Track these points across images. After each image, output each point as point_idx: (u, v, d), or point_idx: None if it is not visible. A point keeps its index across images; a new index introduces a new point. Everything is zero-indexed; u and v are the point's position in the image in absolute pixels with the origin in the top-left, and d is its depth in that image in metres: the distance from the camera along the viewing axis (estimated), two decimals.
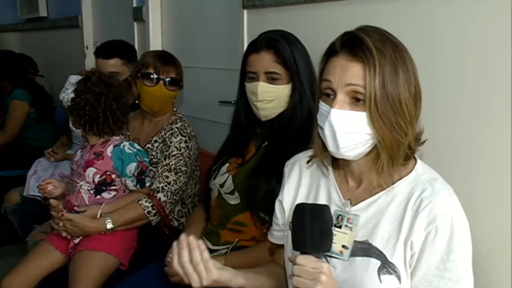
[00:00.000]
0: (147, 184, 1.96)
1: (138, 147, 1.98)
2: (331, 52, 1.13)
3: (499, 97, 1.30)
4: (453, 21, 1.39)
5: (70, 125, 1.97)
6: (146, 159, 1.98)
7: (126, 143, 1.95)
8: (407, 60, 1.10)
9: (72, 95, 1.92)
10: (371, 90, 1.06)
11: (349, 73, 1.08)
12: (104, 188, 1.92)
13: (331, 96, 1.11)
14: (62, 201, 1.95)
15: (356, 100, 1.08)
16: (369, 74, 1.06)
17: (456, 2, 1.38)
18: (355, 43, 1.09)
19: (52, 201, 1.91)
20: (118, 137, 1.98)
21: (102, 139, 1.94)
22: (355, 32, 1.12)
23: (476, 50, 1.35)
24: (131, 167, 1.91)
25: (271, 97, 1.58)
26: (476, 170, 1.37)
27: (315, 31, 1.79)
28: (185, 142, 2.03)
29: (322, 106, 1.13)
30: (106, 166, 1.90)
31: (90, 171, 1.90)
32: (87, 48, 3.84)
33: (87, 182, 1.90)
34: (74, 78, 1.96)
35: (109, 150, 1.91)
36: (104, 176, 1.90)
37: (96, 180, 1.90)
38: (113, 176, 1.91)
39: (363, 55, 1.07)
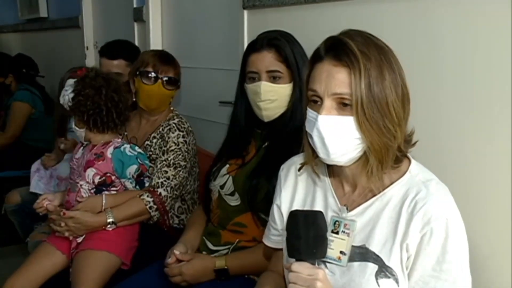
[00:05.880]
0: (146, 185, 1.96)
1: (139, 150, 1.98)
2: (316, 58, 1.13)
3: (498, 97, 1.30)
4: (452, 22, 1.39)
5: (73, 125, 1.96)
6: (147, 162, 1.98)
7: (127, 146, 1.94)
8: (392, 62, 1.09)
9: (72, 94, 1.90)
10: (357, 94, 1.05)
11: (335, 81, 1.07)
12: (104, 188, 1.92)
13: (318, 103, 1.11)
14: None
15: (343, 105, 1.08)
16: (355, 78, 1.05)
17: (455, 3, 1.38)
18: (339, 48, 1.08)
19: (49, 207, 1.91)
20: (119, 139, 1.97)
21: (104, 139, 1.94)
22: (338, 36, 1.11)
23: (475, 51, 1.35)
24: (131, 170, 1.91)
25: (274, 97, 1.58)
26: (474, 170, 1.37)
27: (315, 31, 1.78)
28: (183, 137, 2.04)
29: (310, 112, 1.13)
30: (106, 167, 1.90)
31: (90, 171, 1.90)
32: (87, 48, 3.84)
33: (87, 182, 1.90)
34: (71, 81, 1.96)
35: (109, 151, 1.91)
36: (104, 178, 1.90)
37: (96, 181, 1.90)
38: (113, 177, 1.91)
39: (348, 59, 1.06)
